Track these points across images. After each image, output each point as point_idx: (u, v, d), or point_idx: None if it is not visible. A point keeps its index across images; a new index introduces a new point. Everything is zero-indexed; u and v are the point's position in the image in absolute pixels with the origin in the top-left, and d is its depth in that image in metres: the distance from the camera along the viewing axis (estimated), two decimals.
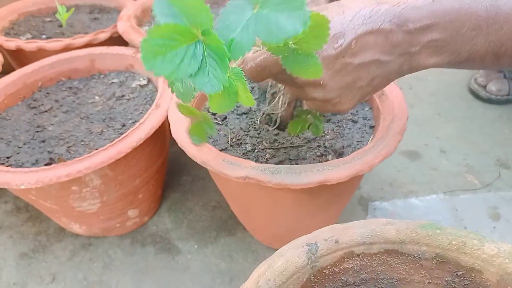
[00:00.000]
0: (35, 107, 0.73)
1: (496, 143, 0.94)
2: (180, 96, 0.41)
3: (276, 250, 0.40)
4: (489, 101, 1.05)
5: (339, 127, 0.62)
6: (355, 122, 0.63)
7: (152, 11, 0.92)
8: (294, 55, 0.40)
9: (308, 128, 0.56)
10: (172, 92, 0.42)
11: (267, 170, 0.49)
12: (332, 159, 0.57)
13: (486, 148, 0.93)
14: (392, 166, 0.89)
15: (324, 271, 0.41)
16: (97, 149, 0.62)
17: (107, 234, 0.74)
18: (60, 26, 0.99)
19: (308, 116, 0.55)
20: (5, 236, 0.77)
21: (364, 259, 0.42)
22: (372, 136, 0.60)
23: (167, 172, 0.82)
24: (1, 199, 0.84)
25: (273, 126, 0.61)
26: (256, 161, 0.56)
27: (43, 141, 0.66)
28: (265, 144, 0.59)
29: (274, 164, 0.53)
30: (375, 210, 0.79)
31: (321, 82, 0.44)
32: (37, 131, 0.68)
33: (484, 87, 1.06)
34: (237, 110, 0.68)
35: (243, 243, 0.74)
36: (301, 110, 0.56)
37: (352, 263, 0.42)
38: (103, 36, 0.85)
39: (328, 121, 0.63)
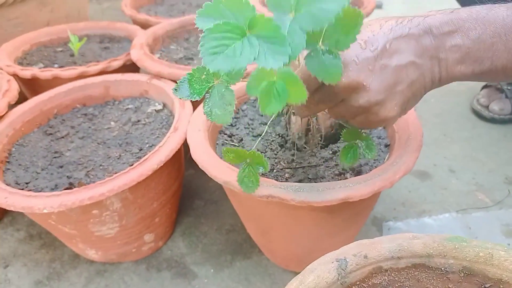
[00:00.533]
0: (51, 134, 0.74)
1: (503, 161, 0.95)
2: (218, 118, 0.43)
3: (293, 272, 0.40)
4: (492, 120, 1.07)
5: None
6: None
7: (162, 39, 0.94)
8: (319, 56, 0.40)
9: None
10: (209, 119, 0.43)
11: (290, 188, 0.50)
12: (349, 176, 0.58)
13: (494, 166, 0.94)
14: (403, 187, 0.89)
15: (353, 287, 0.42)
16: (116, 173, 0.63)
17: (122, 260, 0.74)
18: (72, 55, 1.01)
19: (357, 140, 0.53)
20: (19, 264, 0.77)
21: (392, 274, 0.43)
22: (388, 155, 0.61)
23: (180, 197, 0.82)
24: (13, 227, 0.84)
25: (292, 148, 0.62)
26: (276, 180, 0.57)
27: (61, 167, 0.67)
28: (282, 164, 0.60)
29: (295, 183, 0.54)
30: (389, 230, 0.79)
31: (364, 83, 0.44)
32: (55, 157, 0.69)
33: (487, 107, 1.08)
34: (253, 132, 0.69)
35: (260, 266, 0.74)
36: (347, 132, 0.53)
37: (381, 279, 0.43)
38: (117, 63, 0.87)
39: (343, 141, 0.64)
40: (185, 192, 0.89)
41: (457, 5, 1.24)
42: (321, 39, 0.40)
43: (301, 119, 0.60)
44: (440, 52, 0.45)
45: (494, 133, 1.04)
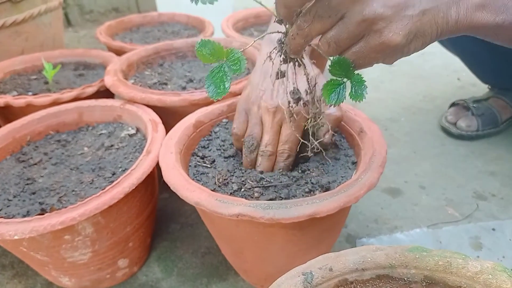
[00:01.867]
0: (24, 161, 0.74)
1: (471, 176, 0.99)
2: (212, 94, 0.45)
3: None
4: (460, 137, 1.11)
5: (323, 164, 0.65)
6: (337, 159, 0.66)
7: (136, 65, 0.96)
8: None
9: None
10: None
11: (259, 206, 0.51)
12: (318, 193, 0.59)
13: (463, 182, 0.97)
14: (376, 204, 0.91)
15: None
16: (88, 198, 0.63)
17: (96, 287, 0.73)
18: (46, 83, 1.02)
19: (348, 76, 0.44)
20: None
21: (358, 286, 0.44)
22: (355, 171, 0.63)
23: (155, 221, 0.82)
24: None
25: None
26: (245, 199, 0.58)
27: (34, 193, 0.66)
28: (251, 183, 0.62)
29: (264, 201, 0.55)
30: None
31: None
32: (27, 184, 0.68)
33: (454, 124, 1.12)
34: (224, 153, 0.70)
35: None
36: (336, 63, 0.43)
37: None
38: (90, 90, 0.88)
39: (312, 161, 0.66)
40: (160, 216, 0.89)
41: None
42: None
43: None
44: None
45: (462, 149, 1.08)
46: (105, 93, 0.89)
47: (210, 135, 0.75)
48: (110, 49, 1.14)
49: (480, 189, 0.95)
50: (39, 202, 0.64)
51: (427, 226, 0.85)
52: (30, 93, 0.98)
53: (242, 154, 0.67)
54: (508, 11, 0.43)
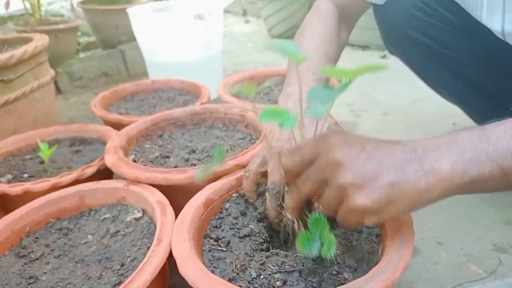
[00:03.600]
0: (24, 256, 0.69)
1: (486, 227, 0.96)
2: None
3: None
4: None
5: (346, 239, 0.62)
6: (359, 232, 0.63)
7: (136, 139, 0.94)
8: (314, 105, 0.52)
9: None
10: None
11: None
12: (348, 276, 0.55)
13: (479, 234, 0.94)
14: None
15: None
16: None
17: None
18: (42, 162, 0.98)
19: (322, 235, 0.53)
20: None
21: None
22: (381, 245, 0.60)
23: None
24: None
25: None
26: None
27: None
28: (271, 267, 0.58)
29: None
30: None
31: (346, 162, 0.49)
32: (30, 283, 0.63)
33: None
34: (239, 233, 0.67)
35: None
36: (314, 220, 0.53)
37: None
38: (91, 170, 0.84)
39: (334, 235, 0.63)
40: None
41: None
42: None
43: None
44: (425, 163, 0.49)
45: (472, 199, 1.06)
46: (105, 171, 0.86)
47: (221, 213, 0.71)
48: (107, 122, 1.12)
49: (498, 241, 0.92)
50: None
51: None
52: (26, 175, 0.94)
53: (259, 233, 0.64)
54: (471, 173, 0.48)
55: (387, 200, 0.48)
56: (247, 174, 0.70)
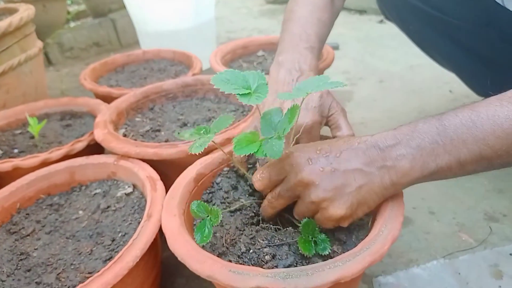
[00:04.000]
0: (15, 232, 0.69)
1: (479, 197, 0.96)
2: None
3: None
4: None
5: None
6: None
7: (126, 112, 0.92)
8: (271, 140, 0.52)
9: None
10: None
11: (278, 276, 0.47)
12: (337, 249, 0.56)
13: (472, 203, 0.95)
14: None
15: None
16: (89, 273, 0.59)
17: None
18: (32, 137, 0.97)
19: (313, 237, 0.55)
20: None
21: None
22: (371, 218, 0.60)
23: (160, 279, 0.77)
24: None
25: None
26: (255, 264, 0.54)
27: (29, 270, 0.62)
28: (261, 241, 0.58)
29: (284, 267, 0.51)
30: (380, 286, 0.77)
31: (315, 181, 0.52)
32: (21, 259, 0.64)
33: None
34: (229, 206, 0.66)
35: None
36: (305, 224, 0.56)
37: None
38: (80, 145, 0.83)
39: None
40: (164, 271, 0.84)
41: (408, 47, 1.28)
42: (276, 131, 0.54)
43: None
44: (387, 161, 0.52)
45: None
46: (96, 146, 0.85)
47: (212, 187, 0.71)
48: (97, 95, 1.10)
49: (490, 210, 0.92)
50: (36, 282, 0.59)
51: (443, 257, 0.81)
52: (16, 150, 0.93)
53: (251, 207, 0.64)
54: (430, 167, 0.51)
55: (358, 203, 0.53)
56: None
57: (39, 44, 1.25)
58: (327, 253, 0.54)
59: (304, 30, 0.76)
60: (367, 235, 0.55)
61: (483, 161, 0.50)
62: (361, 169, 0.52)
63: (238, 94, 0.53)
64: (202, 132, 0.56)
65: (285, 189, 0.55)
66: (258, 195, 0.68)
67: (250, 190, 0.69)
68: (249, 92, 0.53)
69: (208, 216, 0.56)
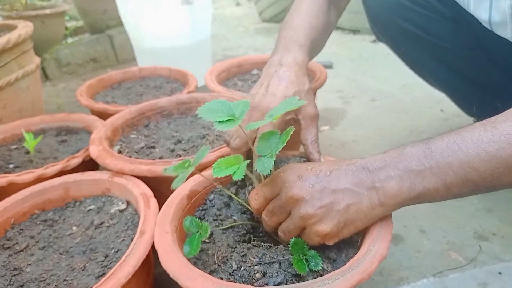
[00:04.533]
0: (9, 247, 0.70)
1: (469, 216, 0.98)
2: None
3: None
4: None
5: None
6: None
7: (122, 129, 0.93)
8: (263, 159, 0.56)
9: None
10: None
11: None
12: (326, 267, 0.57)
13: (462, 222, 0.96)
14: None
15: None
16: None
17: None
18: (28, 153, 0.98)
19: (304, 255, 0.57)
20: None
21: None
22: (360, 237, 0.61)
23: None
24: None
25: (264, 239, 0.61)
26: (246, 281, 0.55)
27: (22, 286, 0.62)
28: (252, 259, 0.58)
29: (274, 285, 0.52)
30: None
31: (305, 197, 0.54)
32: (14, 275, 0.64)
33: None
34: (222, 224, 0.67)
35: None
36: (294, 243, 0.57)
37: None
38: (75, 161, 0.84)
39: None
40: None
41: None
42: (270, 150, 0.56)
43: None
44: (376, 182, 0.54)
45: None
46: (91, 161, 0.86)
47: (205, 204, 0.72)
48: (93, 111, 1.11)
49: (480, 229, 0.94)
50: None
51: (433, 275, 0.82)
52: (11, 165, 0.94)
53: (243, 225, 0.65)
54: (417, 188, 0.53)
55: (345, 222, 0.54)
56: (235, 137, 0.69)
57: (37, 60, 1.27)
58: (320, 268, 0.55)
59: (294, 32, 0.80)
60: (356, 254, 0.56)
61: (469, 184, 0.52)
62: (350, 188, 0.54)
63: (216, 121, 0.55)
64: (186, 165, 0.59)
65: (278, 205, 0.57)
66: (251, 213, 0.69)
67: (243, 208, 0.70)
68: (232, 119, 0.56)
69: (198, 232, 0.58)
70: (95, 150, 0.81)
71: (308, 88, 0.72)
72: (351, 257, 0.56)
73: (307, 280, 0.54)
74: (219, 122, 0.55)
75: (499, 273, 0.82)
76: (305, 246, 0.57)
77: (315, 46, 0.83)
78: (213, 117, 0.56)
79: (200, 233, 0.58)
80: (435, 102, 1.53)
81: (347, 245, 0.60)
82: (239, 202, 0.70)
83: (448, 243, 0.90)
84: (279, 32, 0.84)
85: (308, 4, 0.86)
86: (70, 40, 2.31)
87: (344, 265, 0.53)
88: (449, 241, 0.91)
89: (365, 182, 0.54)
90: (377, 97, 1.64)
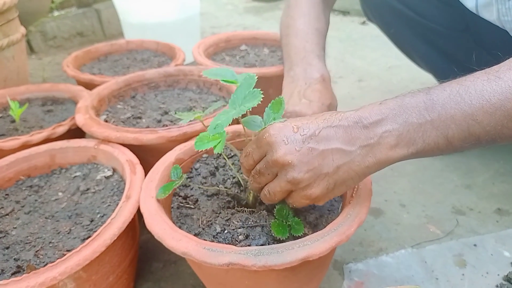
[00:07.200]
0: None
1: (448, 191, 1.00)
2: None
3: None
4: None
5: None
6: None
7: (108, 99, 0.93)
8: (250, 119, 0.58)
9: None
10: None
11: (250, 253, 0.50)
12: (307, 231, 0.58)
13: (441, 197, 0.99)
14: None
15: None
16: (68, 250, 0.60)
17: None
18: (13, 121, 0.97)
19: (287, 221, 0.58)
20: None
21: None
22: (341, 204, 0.63)
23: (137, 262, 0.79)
24: None
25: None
26: (230, 243, 0.57)
27: (7, 248, 0.63)
28: (235, 223, 0.60)
29: (256, 246, 0.54)
30: (350, 273, 0.80)
31: (290, 161, 0.50)
32: (0, 238, 0.65)
33: None
34: (207, 191, 0.69)
35: None
36: (279, 209, 0.58)
37: None
38: (61, 129, 0.84)
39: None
40: (141, 256, 0.85)
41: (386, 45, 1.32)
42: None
43: None
44: (371, 139, 0.50)
45: (437, 164, 1.10)
46: (77, 131, 0.86)
47: (191, 172, 0.73)
48: (79, 82, 1.10)
49: (458, 204, 0.96)
50: (14, 258, 0.60)
51: (411, 246, 0.85)
52: None
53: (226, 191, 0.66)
54: (416, 143, 0.50)
55: (335, 183, 0.51)
56: None
57: (22, 30, 1.25)
58: (301, 234, 0.56)
59: (306, 41, 0.79)
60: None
61: (471, 137, 0.49)
62: (341, 148, 0.50)
63: (223, 80, 0.58)
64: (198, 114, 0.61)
65: (264, 167, 0.53)
66: (236, 182, 0.70)
67: (228, 177, 0.71)
68: (235, 81, 0.58)
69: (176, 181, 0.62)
70: (81, 118, 0.81)
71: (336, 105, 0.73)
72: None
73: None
74: (223, 80, 0.58)
75: (474, 245, 0.85)
76: (289, 213, 0.58)
77: (324, 51, 0.84)
78: (218, 77, 0.58)
79: (177, 182, 0.61)
80: (421, 84, 1.55)
81: (328, 211, 0.62)
82: (229, 166, 0.71)
83: (426, 217, 0.93)
84: (283, 37, 0.83)
85: (306, 4, 0.85)
86: (56, 13, 2.26)
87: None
88: (428, 215, 0.94)
89: (358, 139, 0.50)
90: (364, 78, 1.66)
